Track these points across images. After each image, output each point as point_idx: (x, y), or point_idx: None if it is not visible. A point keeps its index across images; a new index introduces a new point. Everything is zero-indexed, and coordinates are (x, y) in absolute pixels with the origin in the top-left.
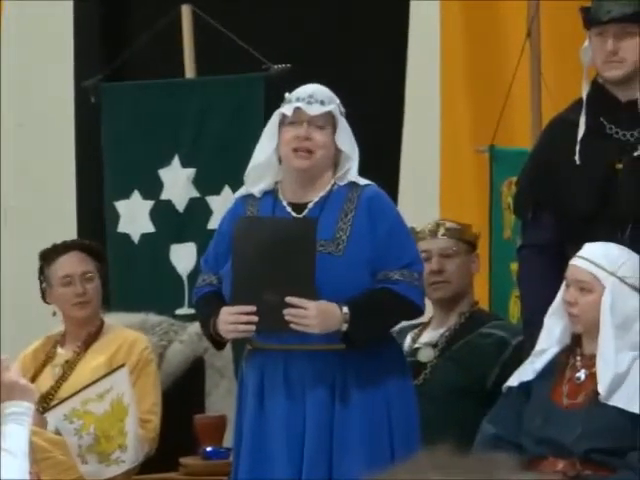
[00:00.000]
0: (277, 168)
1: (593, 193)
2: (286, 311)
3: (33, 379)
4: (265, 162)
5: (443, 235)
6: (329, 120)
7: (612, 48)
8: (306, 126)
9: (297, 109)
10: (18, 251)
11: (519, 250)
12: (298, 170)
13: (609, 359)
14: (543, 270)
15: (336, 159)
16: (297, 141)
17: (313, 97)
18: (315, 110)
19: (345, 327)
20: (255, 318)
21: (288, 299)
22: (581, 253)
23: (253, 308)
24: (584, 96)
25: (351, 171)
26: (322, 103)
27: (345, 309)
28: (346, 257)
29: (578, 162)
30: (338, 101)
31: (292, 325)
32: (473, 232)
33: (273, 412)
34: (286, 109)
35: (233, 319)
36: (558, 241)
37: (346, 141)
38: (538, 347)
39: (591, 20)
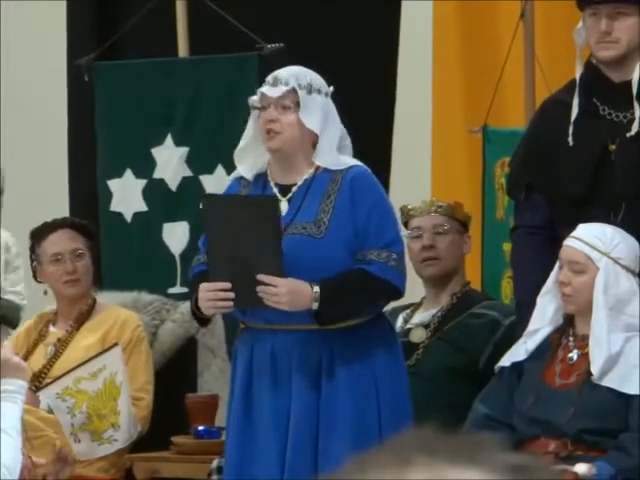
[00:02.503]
0: (265, 152)
1: (586, 175)
2: (258, 288)
3: (25, 357)
4: (248, 147)
5: (435, 212)
6: (294, 98)
7: (605, 28)
8: (272, 108)
9: (262, 94)
10: (12, 231)
11: (512, 231)
12: (271, 151)
13: (602, 340)
14: (536, 251)
15: (314, 137)
16: (267, 124)
17: (277, 79)
18: (277, 92)
19: (315, 306)
20: (232, 295)
21: (259, 277)
22: (575, 233)
23: (229, 285)
24: (577, 77)
25: (329, 152)
26: (285, 84)
27: (316, 288)
28: (326, 239)
29: (571, 143)
30: (310, 78)
31: (265, 301)
32: (465, 212)
33: (260, 392)
34: (255, 96)
35: (211, 296)
36: (551, 222)
37: (313, 119)
38: (531, 327)
39: (585, 0)
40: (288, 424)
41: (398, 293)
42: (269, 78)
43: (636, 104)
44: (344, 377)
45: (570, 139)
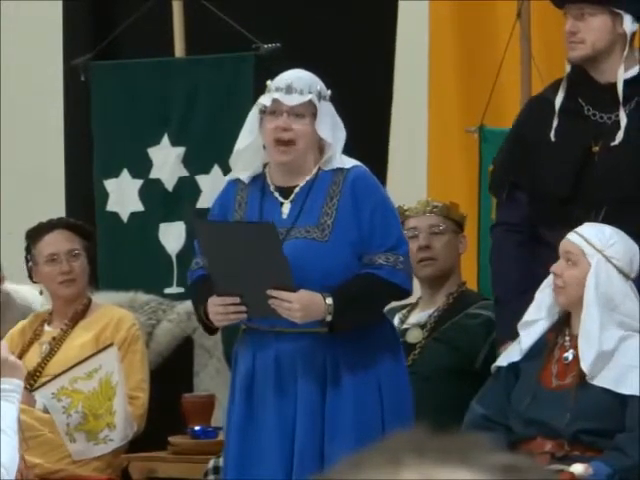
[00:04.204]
0: (262, 153)
1: (568, 175)
2: (270, 301)
3: (20, 356)
4: (248, 149)
5: (431, 212)
6: (309, 108)
7: (570, 28)
8: (285, 116)
9: (276, 101)
10: (9, 231)
11: (492, 228)
12: (280, 164)
13: (592, 336)
14: (515, 249)
15: (321, 144)
16: (277, 132)
17: (292, 86)
18: (294, 100)
19: (329, 318)
20: (243, 307)
21: (269, 292)
22: (577, 229)
23: (237, 299)
24: (565, 76)
25: (335, 157)
26: (301, 92)
27: (329, 300)
28: (331, 243)
29: (553, 139)
30: (319, 86)
31: (277, 311)
32: (461, 212)
33: (264, 396)
34: (265, 99)
35: (222, 310)
36: (532, 221)
37: (327, 128)
38: (526, 318)
39: (555, 1)
40: (293, 429)
41: (406, 294)
42: (279, 84)
43: (622, 112)
44: (348, 382)
45: (552, 134)
